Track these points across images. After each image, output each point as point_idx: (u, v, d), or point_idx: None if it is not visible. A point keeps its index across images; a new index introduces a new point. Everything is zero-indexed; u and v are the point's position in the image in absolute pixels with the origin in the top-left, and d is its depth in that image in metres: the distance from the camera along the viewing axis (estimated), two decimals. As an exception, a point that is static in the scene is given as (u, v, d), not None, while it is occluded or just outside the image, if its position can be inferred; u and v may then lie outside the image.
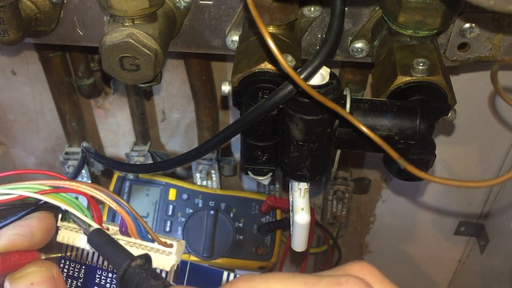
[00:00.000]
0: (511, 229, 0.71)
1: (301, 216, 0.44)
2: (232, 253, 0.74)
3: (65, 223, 0.34)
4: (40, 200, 0.31)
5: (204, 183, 0.78)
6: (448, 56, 0.51)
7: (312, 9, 0.48)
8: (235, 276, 0.33)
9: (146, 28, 0.45)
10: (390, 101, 0.42)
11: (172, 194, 0.75)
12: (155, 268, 0.32)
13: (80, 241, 0.34)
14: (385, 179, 0.80)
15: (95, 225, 0.32)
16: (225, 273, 0.34)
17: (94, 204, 0.33)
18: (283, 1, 0.44)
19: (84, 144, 0.47)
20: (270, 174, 0.45)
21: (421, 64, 0.43)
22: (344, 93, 0.40)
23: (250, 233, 0.74)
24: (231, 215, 0.75)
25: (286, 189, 0.80)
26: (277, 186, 0.79)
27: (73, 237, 0.34)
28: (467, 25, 0.48)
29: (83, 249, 0.34)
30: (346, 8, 0.49)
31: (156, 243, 0.33)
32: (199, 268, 0.34)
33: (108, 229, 0.34)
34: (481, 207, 0.79)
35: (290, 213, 0.47)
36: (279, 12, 0.44)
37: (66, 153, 0.78)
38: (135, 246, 0.33)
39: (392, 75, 0.44)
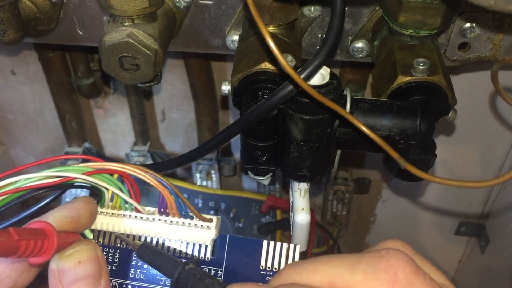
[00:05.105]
0: (512, 229, 0.71)
1: (301, 216, 0.44)
2: (232, 253, 0.73)
3: (99, 209, 0.35)
4: (72, 183, 0.33)
5: (204, 183, 0.78)
6: (448, 56, 0.51)
7: (312, 9, 0.48)
8: (275, 245, 0.34)
9: (146, 28, 0.45)
10: (390, 101, 0.42)
11: (172, 194, 0.75)
12: (195, 243, 0.34)
13: (114, 225, 0.35)
14: (385, 179, 0.80)
15: (135, 204, 0.34)
16: (265, 242, 0.34)
17: (134, 185, 0.35)
18: (283, 1, 0.43)
19: (86, 144, 0.47)
20: (270, 174, 0.45)
21: (421, 64, 0.43)
22: (344, 93, 0.40)
23: (250, 233, 0.74)
24: (231, 215, 0.74)
25: (286, 189, 0.80)
26: (277, 186, 0.79)
27: (107, 222, 0.35)
28: (468, 24, 0.48)
29: (119, 234, 0.35)
30: (346, 8, 0.48)
31: (195, 219, 0.34)
32: (238, 240, 0.35)
33: (140, 210, 0.35)
34: (482, 207, 0.79)
35: (290, 213, 0.47)
36: (279, 12, 0.44)
37: (66, 153, 0.77)
38: (174, 224, 0.34)
39: (392, 75, 0.44)
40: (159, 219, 0.35)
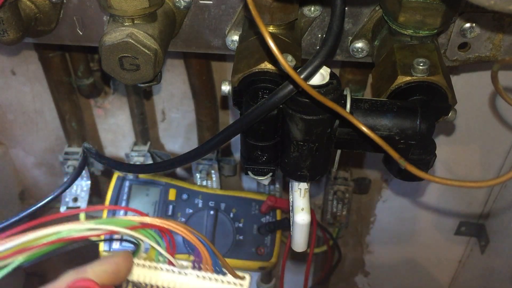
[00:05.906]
0: (512, 229, 0.71)
1: (301, 216, 0.44)
2: (232, 253, 0.73)
3: (135, 260, 0.35)
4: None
5: (204, 183, 0.78)
6: (448, 56, 0.51)
7: (312, 9, 0.48)
8: None
9: (146, 28, 0.45)
10: (390, 101, 0.42)
11: (172, 194, 0.75)
12: None
13: (148, 277, 0.35)
14: (385, 179, 0.80)
15: (171, 258, 0.35)
16: None
17: (172, 239, 0.35)
18: (283, 1, 0.43)
19: (85, 144, 0.47)
20: (270, 174, 0.45)
21: (421, 64, 0.43)
22: (344, 93, 0.40)
23: (250, 233, 0.74)
24: (231, 215, 0.74)
25: (286, 189, 0.80)
26: (277, 186, 0.79)
27: (141, 273, 0.35)
28: (468, 25, 0.48)
29: (151, 286, 0.35)
30: (346, 8, 0.48)
31: (227, 276, 0.35)
32: None
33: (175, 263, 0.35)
34: (482, 207, 0.79)
35: (290, 213, 0.47)
36: (279, 12, 0.44)
37: (66, 153, 0.77)
38: (207, 279, 0.35)
39: (392, 75, 0.44)
40: (191, 274, 0.35)
